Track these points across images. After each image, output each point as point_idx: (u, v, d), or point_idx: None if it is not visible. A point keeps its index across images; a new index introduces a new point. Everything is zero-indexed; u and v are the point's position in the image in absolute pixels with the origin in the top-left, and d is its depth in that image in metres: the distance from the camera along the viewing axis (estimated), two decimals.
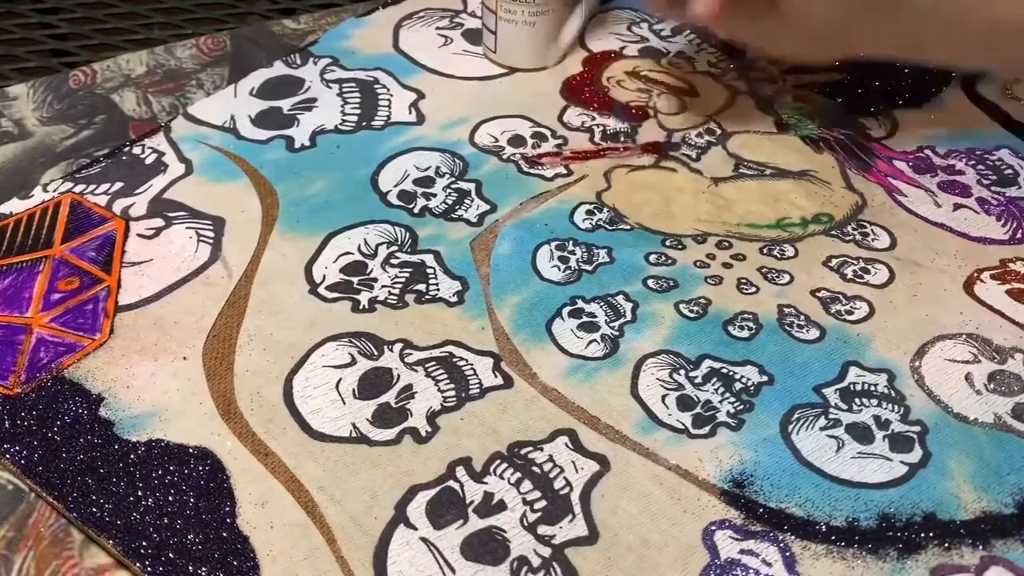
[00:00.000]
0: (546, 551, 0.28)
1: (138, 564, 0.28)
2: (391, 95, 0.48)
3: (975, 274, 0.39)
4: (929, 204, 0.43)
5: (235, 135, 0.45)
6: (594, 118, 0.47)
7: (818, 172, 0.44)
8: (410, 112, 0.47)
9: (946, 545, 0.29)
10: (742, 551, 0.28)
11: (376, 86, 0.48)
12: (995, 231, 0.41)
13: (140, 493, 0.29)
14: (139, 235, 0.39)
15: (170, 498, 0.29)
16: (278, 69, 0.49)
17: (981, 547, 0.29)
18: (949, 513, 0.30)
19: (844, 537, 0.29)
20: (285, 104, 0.47)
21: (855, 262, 0.39)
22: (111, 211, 0.40)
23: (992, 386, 0.34)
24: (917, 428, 0.32)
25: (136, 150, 0.44)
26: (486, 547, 0.28)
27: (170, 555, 0.28)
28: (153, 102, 0.48)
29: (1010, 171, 0.44)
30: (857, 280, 0.38)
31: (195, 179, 0.42)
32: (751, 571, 0.28)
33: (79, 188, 0.41)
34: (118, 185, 0.42)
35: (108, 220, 0.40)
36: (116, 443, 0.31)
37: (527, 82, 0.49)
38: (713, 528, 0.29)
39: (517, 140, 0.45)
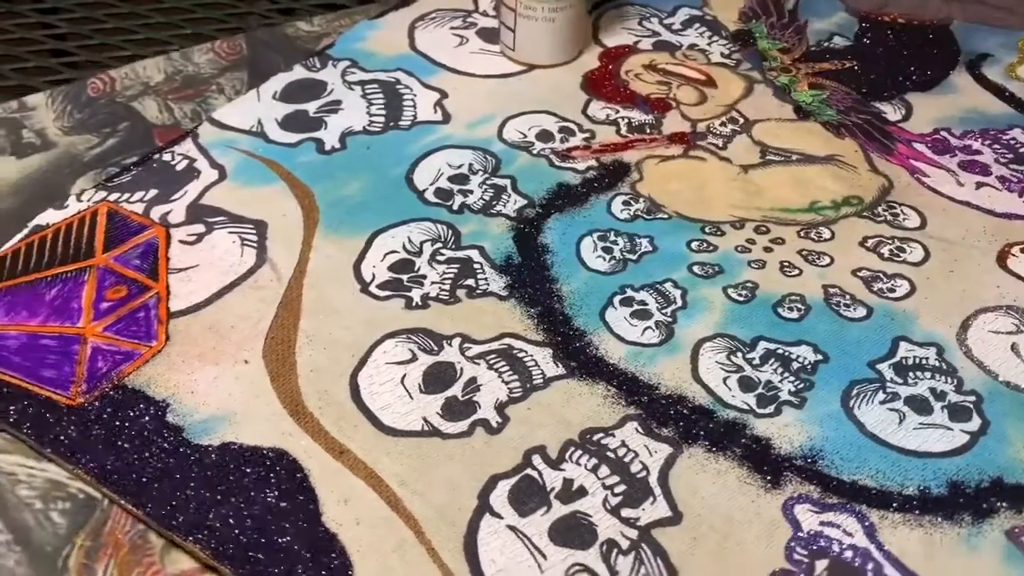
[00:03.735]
0: (633, 533, 0.29)
1: (228, 566, 0.27)
2: (415, 95, 0.48)
3: (1007, 248, 0.40)
4: (952, 184, 0.44)
5: (264, 139, 0.45)
6: (618, 111, 0.47)
7: (843, 156, 0.45)
8: (435, 111, 0.47)
9: (1018, 507, 0.30)
10: (823, 523, 0.29)
11: (398, 86, 0.48)
12: (1020, 207, 0.42)
13: (220, 496, 0.29)
14: (181, 241, 0.39)
15: (251, 499, 0.29)
16: (298, 73, 0.49)
17: None
18: (1015, 477, 0.31)
19: (918, 505, 0.30)
20: (310, 107, 0.47)
21: (890, 241, 0.40)
22: (149, 218, 0.40)
23: None
24: (972, 398, 0.33)
25: (166, 157, 0.43)
26: (573, 532, 0.29)
27: (259, 555, 0.28)
28: (175, 109, 0.48)
29: None
30: (895, 259, 0.39)
31: (229, 184, 0.42)
32: (834, 541, 0.29)
33: (113, 196, 0.41)
34: (152, 192, 0.41)
35: (148, 228, 0.39)
36: (188, 448, 0.31)
37: (547, 78, 0.50)
38: (792, 502, 0.30)
39: (545, 135, 0.46)
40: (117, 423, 0.31)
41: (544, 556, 0.28)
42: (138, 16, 0.60)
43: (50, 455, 0.31)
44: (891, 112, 0.48)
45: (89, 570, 0.28)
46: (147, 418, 0.32)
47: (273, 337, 0.35)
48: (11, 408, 0.32)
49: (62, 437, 0.31)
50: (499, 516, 0.29)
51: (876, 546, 0.29)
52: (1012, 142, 0.46)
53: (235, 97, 0.48)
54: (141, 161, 0.43)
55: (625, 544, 0.28)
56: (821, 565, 0.28)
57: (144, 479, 0.30)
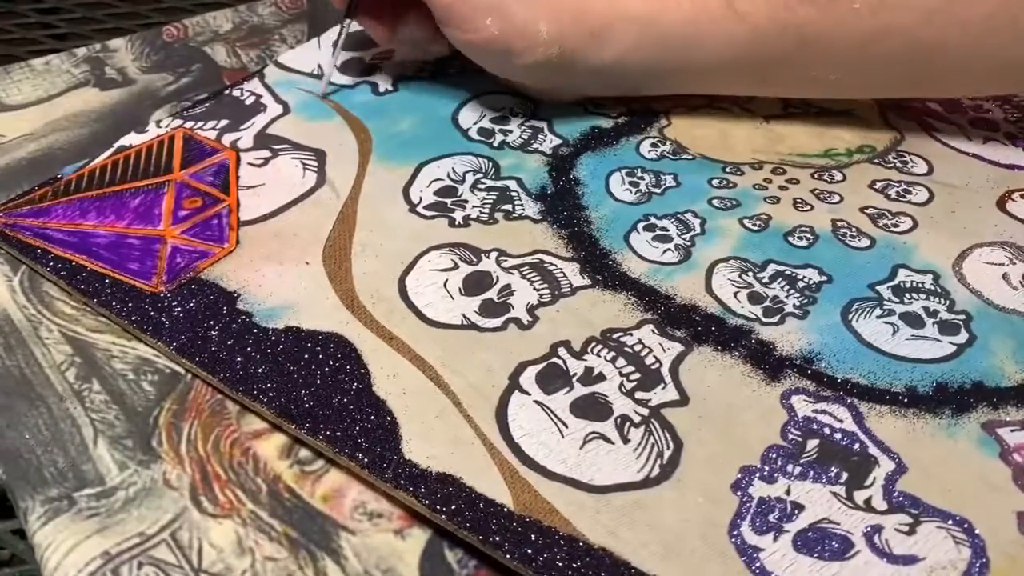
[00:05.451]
0: (644, 411, 0.32)
1: (293, 425, 0.32)
2: None
3: (1007, 194, 0.43)
4: (961, 138, 0.47)
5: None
6: None
7: (859, 111, 0.48)
8: None
9: (994, 404, 0.33)
10: (815, 411, 0.32)
11: None
12: (1023, 159, 0.45)
13: (284, 368, 0.33)
14: (249, 163, 0.43)
15: (311, 370, 0.33)
16: (356, 25, 0.53)
17: None
18: (995, 381, 0.34)
19: (904, 401, 0.33)
20: (366, 55, 0.51)
21: (897, 184, 0.43)
22: (221, 143, 0.44)
23: None
24: (962, 316, 0.36)
25: (235, 93, 0.48)
26: (592, 408, 0.32)
27: (318, 414, 0.32)
28: (242, 54, 0.52)
29: None
30: (900, 199, 0.42)
31: (293, 118, 0.46)
32: (826, 426, 0.32)
33: (189, 124, 0.45)
34: (224, 122, 0.46)
35: (220, 151, 0.44)
36: (256, 329, 0.35)
37: None
38: (789, 393, 0.33)
39: None
40: (194, 307, 0.36)
41: (565, 425, 0.32)
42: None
43: (135, 332, 0.35)
44: None
45: (176, 428, 0.33)
46: (220, 304, 0.36)
47: (331, 245, 0.39)
48: (102, 292, 0.36)
49: (145, 317, 0.35)
50: (527, 393, 0.33)
51: (863, 431, 0.32)
52: (1022, 103, 0.49)
53: (296, 46, 0.53)
54: (213, 96, 0.48)
55: (637, 419, 0.32)
56: (812, 443, 0.31)
57: (218, 353, 0.34)
